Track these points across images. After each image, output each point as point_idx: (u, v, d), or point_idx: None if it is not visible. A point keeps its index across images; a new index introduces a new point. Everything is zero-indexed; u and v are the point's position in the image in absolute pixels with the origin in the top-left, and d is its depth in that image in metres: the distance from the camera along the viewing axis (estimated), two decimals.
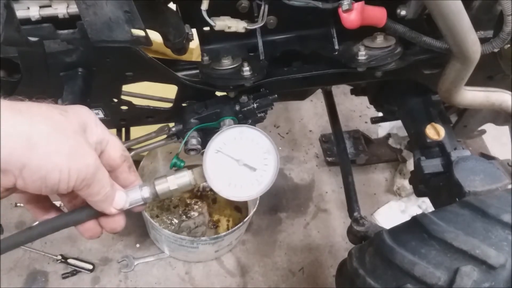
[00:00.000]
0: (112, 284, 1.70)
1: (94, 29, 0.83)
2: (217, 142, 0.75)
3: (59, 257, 1.72)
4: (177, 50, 1.05)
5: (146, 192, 0.70)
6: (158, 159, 1.80)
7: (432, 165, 1.12)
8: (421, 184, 1.17)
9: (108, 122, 1.19)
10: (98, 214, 0.67)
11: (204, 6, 0.90)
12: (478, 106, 1.09)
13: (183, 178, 0.73)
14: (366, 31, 0.98)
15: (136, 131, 1.25)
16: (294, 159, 2.11)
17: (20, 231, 0.66)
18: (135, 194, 0.70)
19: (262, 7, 0.95)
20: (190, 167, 0.75)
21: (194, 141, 1.06)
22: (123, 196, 0.68)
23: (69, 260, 1.72)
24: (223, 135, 0.75)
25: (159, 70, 1.01)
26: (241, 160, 0.74)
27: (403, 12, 0.97)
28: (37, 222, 0.67)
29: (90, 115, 0.64)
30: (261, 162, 0.75)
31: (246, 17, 0.98)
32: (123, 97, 1.12)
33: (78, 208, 0.68)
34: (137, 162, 1.63)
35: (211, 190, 1.92)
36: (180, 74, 1.07)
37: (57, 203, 0.70)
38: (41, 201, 0.68)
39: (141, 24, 0.83)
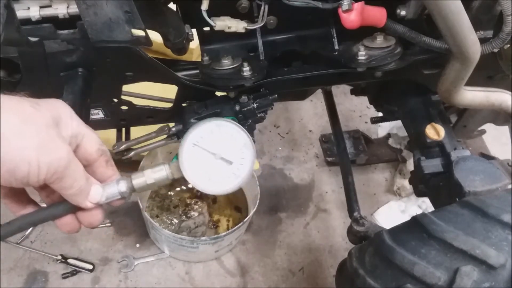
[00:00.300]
0: (112, 284, 1.70)
1: (94, 29, 0.83)
2: (194, 135, 0.74)
3: (59, 257, 1.72)
4: (177, 50, 1.05)
5: (123, 186, 0.70)
6: (158, 159, 1.80)
7: (432, 165, 1.12)
8: (421, 184, 1.17)
9: (108, 122, 1.19)
10: (75, 209, 0.67)
11: (204, 6, 0.90)
12: (477, 106, 1.10)
13: (160, 172, 0.73)
14: (366, 31, 0.98)
15: (136, 131, 1.25)
16: (294, 159, 2.11)
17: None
18: (112, 189, 0.70)
19: (262, 7, 0.95)
20: None
21: None
22: (99, 190, 0.68)
23: (69, 260, 1.72)
24: (200, 128, 0.75)
25: (159, 70, 1.01)
26: (218, 153, 0.74)
27: (403, 12, 0.98)
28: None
29: (64, 108, 0.64)
30: (238, 156, 0.75)
31: (246, 17, 0.98)
32: (123, 97, 1.12)
33: (55, 202, 0.68)
34: (137, 162, 1.63)
35: None
36: (180, 74, 1.07)
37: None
38: (18, 195, 0.68)
39: (141, 24, 0.83)
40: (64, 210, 0.67)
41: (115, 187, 0.70)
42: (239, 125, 0.76)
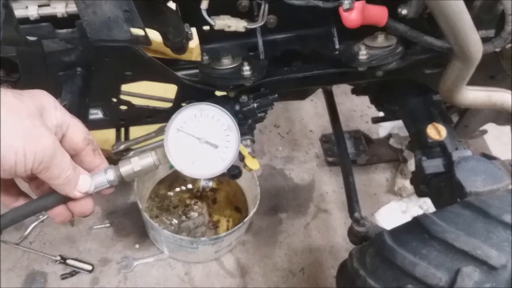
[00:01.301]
0: (111, 284, 1.70)
1: (93, 29, 0.83)
2: (177, 121, 0.75)
3: (58, 258, 1.72)
4: (176, 49, 1.05)
5: (111, 175, 0.71)
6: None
7: (433, 165, 1.11)
8: (422, 185, 1.16)
9: (108, 122, 1.19)
10: (65, 199, 0.68)
11: (204, 5, 0.89)
12: (479, 106, 1.09)
13: (146, 159, 0.74)
14: (367, 31, 0.98)
15: (136, 131, 1.24)
16: (295, 159, 2.11)
17: None
18: (100, 178, 0.70)
19: (262, 6, 0.95)
20: None
21: None
22: (87, 179, 0.68)
23: (68, 261, 1.71)
24: (183, 113, 0.75)
25: (159, 70, 1.01)
26: (202, 138, 0.75)
27: (404, 11, 0.97)
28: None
29: (48, 98, 0.65)
30: (223, 139, 0.76)
31: (246, 16, 0.98)
32: (122, 96, 1.12)
33: (45, 194, 0.69)
34: None
35: (211, 190, 1.92)
36: (179, 73, 1.07)
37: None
38: (9, 188, 0.68)
39: (140, 24, 0.83)
40: (55, 200, 0.68)
41: (103, 176, 0.71)
42: (222, 108, 0.76)
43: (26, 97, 0.61)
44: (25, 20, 0.87)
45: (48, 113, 0.63)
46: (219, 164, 0.75)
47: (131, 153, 1.14)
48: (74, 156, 0.68)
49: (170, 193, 1.90)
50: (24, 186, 0.71)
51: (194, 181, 1.87)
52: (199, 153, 0.75)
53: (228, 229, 1.80)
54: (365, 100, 1.64)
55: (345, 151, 1.51)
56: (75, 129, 0.67)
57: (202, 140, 0.75)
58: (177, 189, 1.91)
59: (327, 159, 2.06)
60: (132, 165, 0.73)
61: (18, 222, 0.68)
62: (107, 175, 0.71)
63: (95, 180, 0.70)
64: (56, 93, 0.95)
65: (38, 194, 0.70)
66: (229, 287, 1.73)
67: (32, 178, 0.68)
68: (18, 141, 0.57)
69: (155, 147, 0.75)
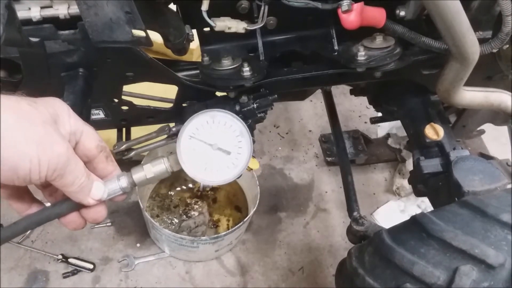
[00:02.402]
0: (112, 283, 1.70)
1: (95, 30, 0.84)
2: (189, 128, 0.75)
3: (60, 257, 1.72)
4: (177, 50, 1.06)
5: (124, 182, 0.71)
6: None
7: (431, 165, 1.12)
8: (420, 184, 1.17)
9: (109, 122, 1.19)
10: (78, 206, 0.68)
11: (204, 6, 0.90)
12: (477, 106, 1.10)
13: (159, 166, 0.74)
14: (365, 32, 0.99)
15: (137, 131, 1.25)
16: (294, 159, 2.12)
17: (6, 226, 0.66)
18: (113, 185, 0.70)
19: (262, 8, 0.96)
20: None
21: None
22: (101, 186, 0.68)
23: (70, 260, 1.72)
24: (195, 120, 0.75)
25: (160, 71, 1.02)
26: (215, 144, 0.75)
27: (402, 13, 0.98)
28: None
29: (62, 105, 0.65)
30: (235, 145, 0.76)
31: (246, 17, 0.98)
32: (123, 97, 1.13)
33: (59, 201, 0.69)
34: (137, 162, 1.63)
35: (211, 189, 1.92)
36: (180, 74, 1.08)
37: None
38: (22, 195, 0.68)
39: (141, 25, 0.84)
40: (68, 208, 0.68)
41: (116, 183, 0.71)
42: (234, 114, 0.76)
43: (40, 104, 0.61)
44: (28, 22, 0.87)
45: (62, 121, 0.63)
46: (231, 170, 0.75)
47: (132, 153, 1.16)
48: (87, 163, 0.68)
49: (171, 193, 1.91)
50: (37, 193, 0.71)
51: (194, 180, 1.87)
52: (211, 159, 0.74)
53: (228, 228, 1.81)
54: (363, 100, 1.64)
55: (344, 151, 1.51)
56: (88, 136, 0.67)
57: (214, 147, 0.75)
58: (178, 189, 1.92)
59: (326, 159, 2.07)
60: (144, 172, 0.73)
61: (31, 230, 0.68)
62: (120, 182, 0.71)
63: (108, 187, 0.70)
64: (59, 94, 0.96)
65: (51, 202, 0.70)
66: (229, 286, 1.73)
67: (46, 186, 0.68)
68: (32, 148, 0.57)
69: (167, 155, 0.75)
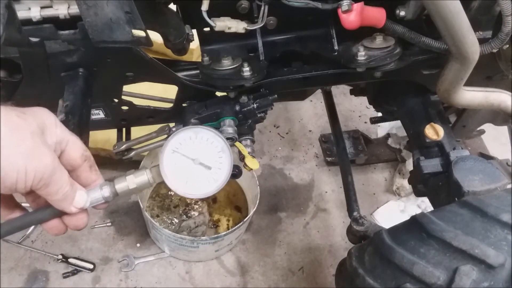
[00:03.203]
0: (112, 283, 1.70)
1: (95, 30, 0.84)
2: (173, 142, 0.77)
3: (60, 257, 1.73)
4: (177, 50, 1.06)
5: (106, 192, 0.73)
6: (158, 159, 1.80)
7: (431, 165, 1.12)
8: (420, 184, 1.17)
9: (109, 122, 1.19)
10: (61, 213, 0.69)
11: (204, 6, 0.90)
12: (477, 106, 1.10)
13: (141, 177, 0.75)
14: (365, 32, 0.99)
15: (137, 131, 1.25)
16: (294, 159, 2.12)
17: None
18: (96, 194, 0.72)
19: (262, 8, 0.96)
20: None
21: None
22: (84, 195, 0.70)
23: (70, 260, 1.72)
24: (179, 135, 0.77)
25: (160, 71, 1.02)
26: (196, 159, 0.77)
27: (402, 13, 0.98)
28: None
29: (49, 116, 0.66)
30: (216, 161, 0.78)
31: (246, 17, 0.98)
32: (123, 97, 1.13)
33: (41, 207, 0.70)
34: (137, 162, 1.64)
35: None
36: (180, 74, 1.08)
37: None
38: (6, 201, 0.69)
39: (141, 25, 0.84)
40: (50, 214, 0.69)
41: (99, 192, 0.72)
42: (216, 131, 0.78)
43: (28, 115, 0.62)
44: (28, 22, 0.87)
45: (49, 131, 0.65)
46: (211, 184, 0.77)
47: (132, 153, 1.16)
48: (72, 171, 0.69)
49: (171, 193, 1.91)
50: (20, 198, 0.72)
51: None
52: (192, 173, 0.77)
53: (228, 228, 1.81)
54: (363, 100, 1.64)
55: (344, 151, 1.51)
56: (74, 146, 0.69)
57: (196, 161, 0.77)
58: None
59: (326, 159, 2.07)
60: (127, 182, 0.74)
61: (12, 234, 0.69)
62: (102, 191, 0.72)
63: (91, 196, 0.71)
64: (59, 94, 0.96)
65: (34, 207, 0.71)
66: (229, 286, 1.73)
67: (29, 192, 0.69)
68: (20, 159, 0.59)
69: (151, 167, 0.77)
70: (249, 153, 1.08)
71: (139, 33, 0.85)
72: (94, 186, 0.72)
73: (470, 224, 0.79)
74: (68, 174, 0.67)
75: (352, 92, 1.57)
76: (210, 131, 0.78)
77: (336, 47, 1.04)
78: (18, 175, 0.59)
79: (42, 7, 0.87)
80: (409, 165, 1.94)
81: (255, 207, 1.67)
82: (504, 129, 1.66)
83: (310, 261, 1.80)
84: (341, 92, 2.24)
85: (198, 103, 1.10)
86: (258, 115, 1.08)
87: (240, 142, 1.09)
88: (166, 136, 1.15)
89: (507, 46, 0.98)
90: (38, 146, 0.61)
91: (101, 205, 0.74)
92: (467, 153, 1.09)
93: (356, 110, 2.30)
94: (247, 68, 0.99)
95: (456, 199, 0.99)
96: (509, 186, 1.00)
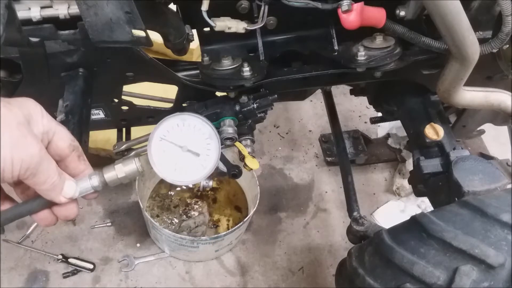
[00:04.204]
0: (112, 283, 1.70)
1: (95, 30, 0.84)
2: (160, 130, 0.77)
3: (60, 257, 1.72)
4: (177, 50, 1.06)
5: (95, 181, 0.73)
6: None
7: (431, 165, 1.12)
8: (420, 184, 1.17)
9: (109, 122, 1.19)
10: (50, 204, 0.70)
11: (204, 7, 0.90)
12: (477, 106, 1.10)
13: (130, 166, 0.75)
14: (365, 32, 0.99)
15: (137, 131, 1.25)
16: (294, 159, 2.12)
17: None
18: (85, 183, 0.72)
19: (262, 8, 0.96)
20: None
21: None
22: (72, 185, 0.70)
23: (70, 260, 1.72)
24: (166, 123, 0.78)
25: (160, 71, 1.02)
26: (184, 146, 0.77)
27: (402, 13, 0.98)
28: None
29: (35, 106, 0.66)
30: (204, 148, 0.78)
31: (246, 17, 0.98)
32: (123, 97, 1.13)
33: (31, 198, 0.70)
34: None
35: (211, 189, 1.92)
36: (180, 74, 1.08)
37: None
38: None
39: (141, 25, 0.84)
40: (40, 205, 0.70)
41: (88, 181, 0.72)
42: (203, 117, 0.78)
43: (14, 105, 0.63)
44: (28, 22, 0.87)
45: (35, 121, 0.65)
46: (200, 171, 0.78)
47: (132, 153, 1.16)
48: (60, 162, 0.70)
49: (171, 193, 1.91)
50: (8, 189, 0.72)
51: None
52: (181, 160, 0.77)
53: (228, 228, 1.81)
54: (363, 100, 1.64)
55: (344, 151, 1.51)
56: (61, 135, 0.69)
57: (184, 149, 0.77)
58: (178, 189, 1.92)
59: (326, 159, 2.07)
60: (116, 171, 0.75)
61: (4, 225, 0.69)
62: (91, 181, 0.72)
63: (80, 185, 0.72)
64: (59, 94, 0.96)
65: (23, 199, 0.72)
66: (229, 286, 1.73)
67: (18, 183, 0.70)
68: (6, 149, 0.59)
69: (139, 154, 0.77)
70: (249, 153, 1.08)
71: (139, 33, 0.85)
72: (83, 176, 0.73)
73: (470, 224, 0.79)
74: (56, 164, 0.67)
75: (352, 92, 1.57)
76: (198, 117, 0.78)
77: (336, 47, 1.05)
78: (4, 164, 0.59)
79: (42, 7, 0.87)
80: (409, 165, 1.94)
81: (255, 207, 1.67)
82: (504, 129, 1.66)
83: (310, 261, 1.80)
84: (341, 92, 2.24)
85: (198, 103, 1.10)
86: (258, 115, 1.08)
87: (240, 142, 1.09)
88: None
89: (507, 46, 0.98)
90: (24, 135, 0.61)
91: (90, 194, 0.74)
92: (467, 153, 1.09)
93: (356, 110, 2.30)
94: (247, 68, 0.99)
95: (456, 199, 0.99)
96: (509, 186, 1.00)
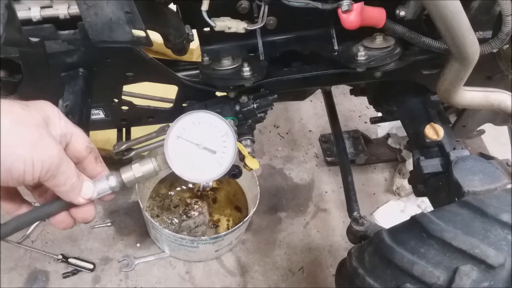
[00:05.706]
0: (112, 283, 1.70)
1: (95, 30, 0.84)
2: (177, 128, 0.77)
3: (60, 257, 1.73)
4: (177, 50, 1.06)
5: (112, 181, 0.73)
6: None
7: (431, 165, 1.12)
8: (420, 184, 1.17)
9: (109, 122, 1.19)
10: (68, 206, 0.70)
11: (204, 7, 0.90)
12: (477, 106, 1.10)
13: (147, 165, 0.76)
14: (365, 32, 0.99)
15: (137, 131, 1.25)
16: (294, 159, 2.12)
17: None
18: (103, 184, 0.72)
19: (262, 8, 0.96)
20: None
21: None
22: (91, 186, 0.70)
23: (70, 260, 1.72)
24: (182, 121, 0.77)
25: (160, 71, 1.02)
26: (201, 144, 0.77)
27: (402, 13, 0.98)
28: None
29: (52, 109, 0.67)
30: (220, 145, 0.78)
31: (246, 17, 0.98)
32: (123, 97, 1.13)
33: (48, 201, 0.70)
34: None
35: (211, 189, 1.92)
36: (180, 74, 1.08)
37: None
38: (13, 197, 0.70)
39: (141, 25, 0.84)
40: (58, 207, 0.69)
41: (105, 182, 0.72)
42: (219, 115, 0.78)
43: (32, 108, 0.63)
44: (28, 22, 0.87)
45: (53, 124, 0.65)
46: (216, 169, 0.77)
47: (132, 153, 1.16)
48: (77, 164, 0.70)
49: (171, 193, 1.91)
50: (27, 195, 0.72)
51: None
52: (197, 158, 0.77)
53: (228, 228, 1.81)
54: (363, 100, 1.64)
55: (344, 151, 1.51)
56: (78, 138, 0.69)
57: (200, 146, 0.77)
58: (178, 189, 1.92)
59: (326, 159, 2.07)
60: (133, 171, 0.75)
61: (21, 229, 0.69)
62: (109, 182, 0.73)
63: (97, 186, 0.72)
64: (59, 94, 0.96)
65: (41, 202, 0.71)
66: (229, 286, 1.73)
67: (36, 187, 0.70)
68: (26, 151, 0.59)
69: (155, 154, 0.77)
70: (249, 153, 1.08)
71: (139, 33, 0.85)
72: (100, 177, 0.73)
73: (470, 224, 0.79)
74: (74, 165, 0.67)
75: (352, 92, 1.57)
76: (214, 115, 0.78)
77: (336, 47, 1.05)
78: (25, 166, 0.59)
79: (42, 7, 0.87)
80: (409, 165, 1.94)
81: (255, 207, 1.67)
82: (504, 129, 1.66)
83: (310, 261, 1.80)
84: (341, 92, 2.24)
85: (198, 103, 1.10)
86: (258, 115, 1.08)
87: (240, 142, 1.09)
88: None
89: (507, 46, 0.98)
90: (43, 137, 0.61)
91: (108, 195, 0.74)
92: (467, 153, 1.09)
93: (356, 110, 2.30)
94: (247, 68, 0.99)
95: (456, 199, 0.99)
96: (509, 186, 1.00)
